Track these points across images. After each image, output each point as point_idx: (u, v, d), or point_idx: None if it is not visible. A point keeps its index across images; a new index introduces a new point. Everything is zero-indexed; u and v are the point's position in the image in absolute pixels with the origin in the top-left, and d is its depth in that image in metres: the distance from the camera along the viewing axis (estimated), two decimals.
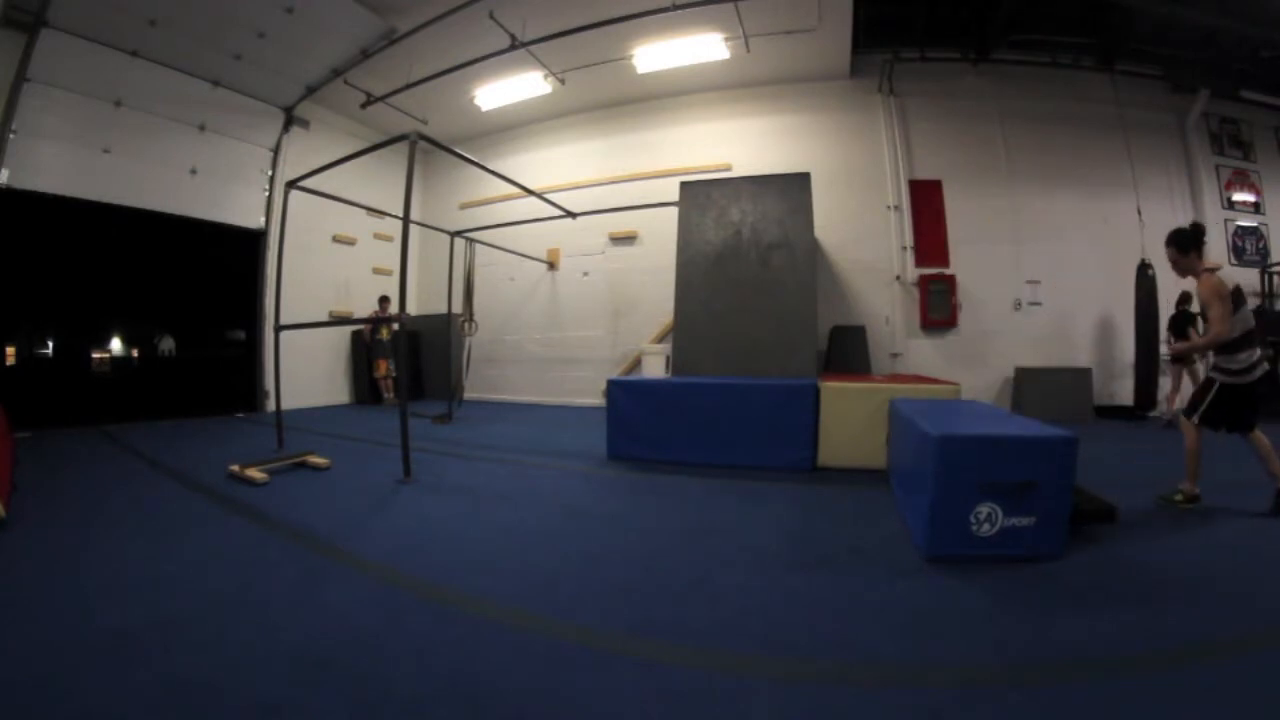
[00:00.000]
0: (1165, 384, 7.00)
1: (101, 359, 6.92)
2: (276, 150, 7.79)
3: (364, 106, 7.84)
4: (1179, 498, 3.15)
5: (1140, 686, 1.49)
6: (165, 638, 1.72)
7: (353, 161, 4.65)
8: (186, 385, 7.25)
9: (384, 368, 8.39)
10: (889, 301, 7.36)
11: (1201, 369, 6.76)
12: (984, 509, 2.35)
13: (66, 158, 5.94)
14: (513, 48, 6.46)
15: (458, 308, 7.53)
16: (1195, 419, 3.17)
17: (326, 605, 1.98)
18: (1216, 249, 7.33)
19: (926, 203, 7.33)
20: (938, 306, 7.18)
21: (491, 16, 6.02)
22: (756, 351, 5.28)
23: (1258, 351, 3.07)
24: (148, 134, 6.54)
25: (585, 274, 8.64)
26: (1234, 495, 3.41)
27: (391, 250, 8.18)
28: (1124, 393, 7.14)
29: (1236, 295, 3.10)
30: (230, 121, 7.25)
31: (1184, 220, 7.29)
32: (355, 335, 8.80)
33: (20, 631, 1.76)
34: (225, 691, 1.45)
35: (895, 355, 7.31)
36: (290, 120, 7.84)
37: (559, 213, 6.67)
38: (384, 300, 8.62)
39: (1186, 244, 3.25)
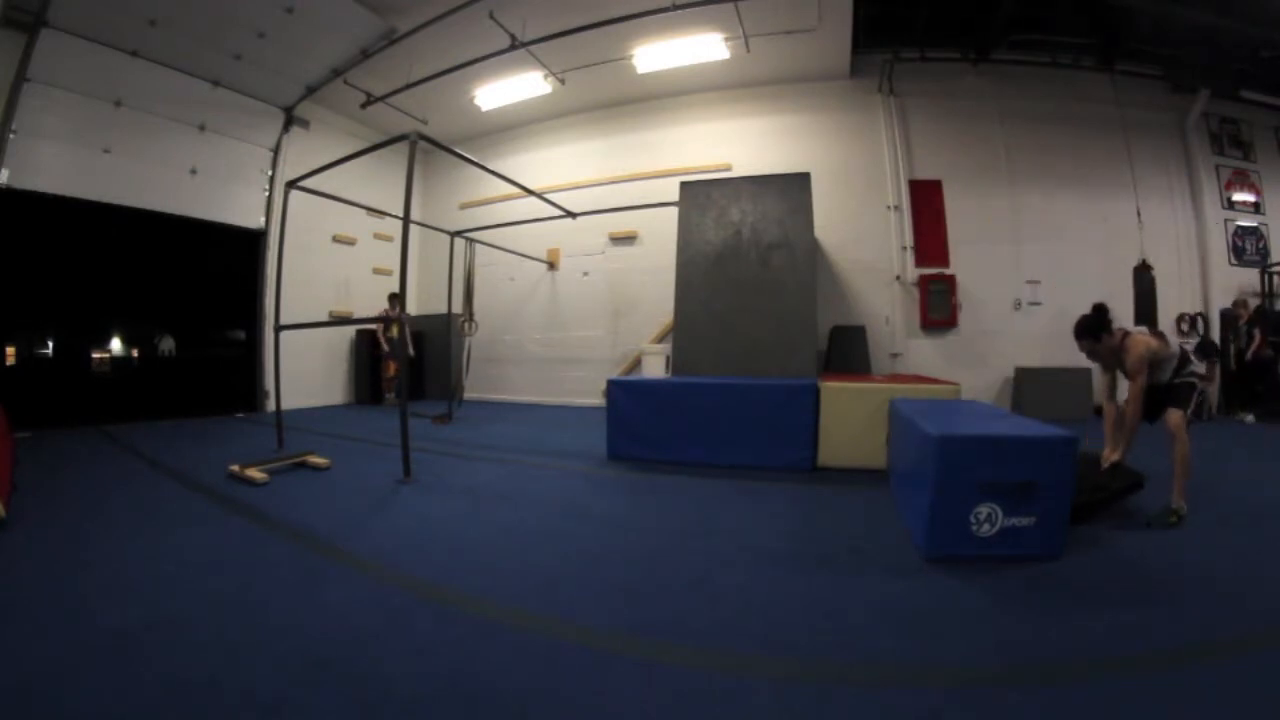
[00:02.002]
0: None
1: (101, 359, 6.91)
2: (276, 150, 7.79)
3: (364, 106, 7.84)
4: (1174, 520, 2.79)
5: (1140, 686, 1.49)
6: (165, 638, 1.72)
7: (353, 161, 4.65)
8: (186, 385, 7.24)
9: (394, 369, 8.35)
10: (889, 301, 7.36)
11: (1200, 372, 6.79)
12: (984, 509, 2.35)
13: (66, 158, 5.94)
14: (513, 48, 6.46)
15: (458, 308, 7.54)
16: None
17: (326, 605, 1.98)
18: (1216, 249, 7.34)
19: (926, 203, 7.33)
20: (938, 306, 7.18)
21: (491, 16, 6.02)
22: (756, 351, 5.28)
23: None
24: (148, 134, 6.54)
25: (585, 274, 8.64)
26: (1229, 493, 3.42)
27: (391, 250, 8.18)
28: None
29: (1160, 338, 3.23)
30: (230, 121, 7.25)
31: (1185, 220, 7.37)
32: (360, 335, 8.78)
33: (20, 631, 1.76)
34: (225, 691, 1.45)
35: (895, 355, 7.31)
36: (290, 120, 7.85)
37: (559, 213, 6.67)
38: (394, 297, 8.59)
39: (1099, 328, 3.05)
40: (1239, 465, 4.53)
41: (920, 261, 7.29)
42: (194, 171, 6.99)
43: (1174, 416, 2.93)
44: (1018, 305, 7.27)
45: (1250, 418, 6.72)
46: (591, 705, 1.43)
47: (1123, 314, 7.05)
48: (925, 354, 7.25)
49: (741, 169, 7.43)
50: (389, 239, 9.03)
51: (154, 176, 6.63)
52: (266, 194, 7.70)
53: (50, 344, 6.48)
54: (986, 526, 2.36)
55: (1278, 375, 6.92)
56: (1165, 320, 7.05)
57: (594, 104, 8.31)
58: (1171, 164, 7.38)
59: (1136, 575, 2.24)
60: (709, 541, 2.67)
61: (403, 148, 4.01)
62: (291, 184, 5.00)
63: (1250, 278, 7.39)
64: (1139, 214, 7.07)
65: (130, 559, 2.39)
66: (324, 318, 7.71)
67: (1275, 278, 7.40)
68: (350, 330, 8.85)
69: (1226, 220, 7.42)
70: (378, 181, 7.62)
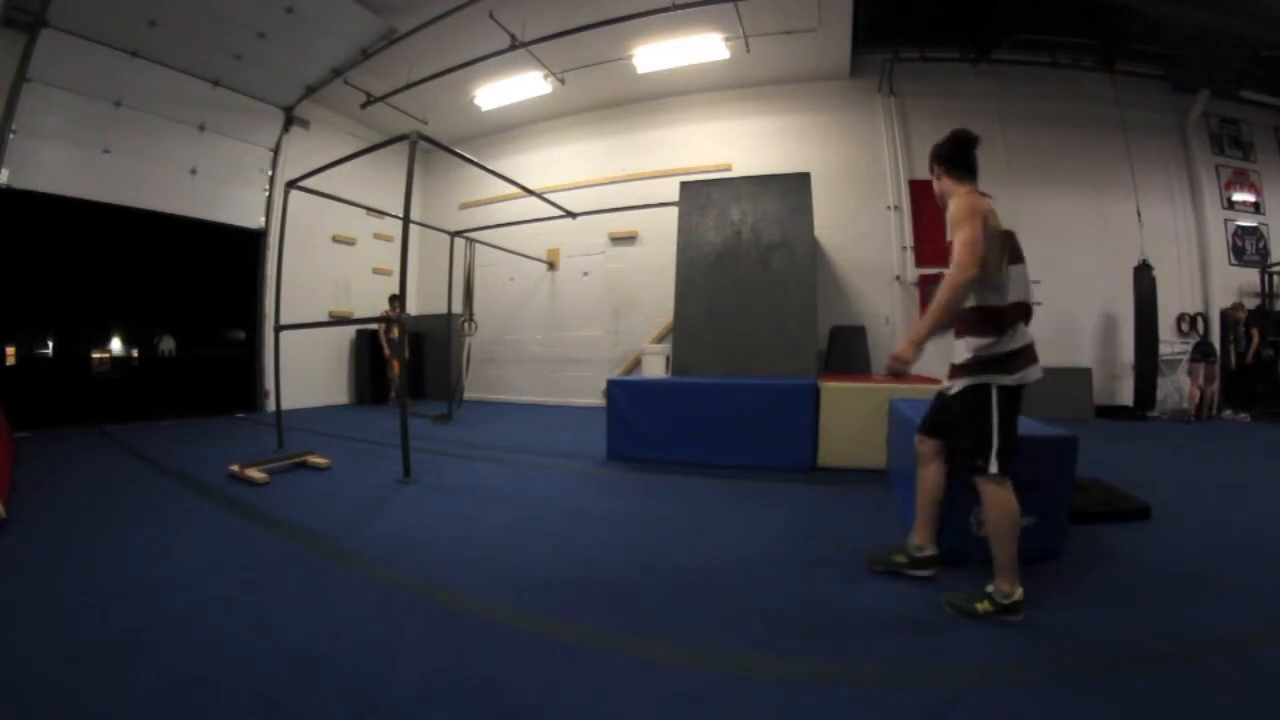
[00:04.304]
0: (1181, 383, 7.04)
1: (101, 359, 6.91)
2: (276, 150, 7.79)
3: (364, 106, 7.85)
4: (984, 607, 1.84)
5: (1141, 686, 1.49)
6: (165, 638, 1.72)
7: (353, 161, 4.64)
8: (186, 385, 7.24)
9: (398, 367, 8.38)
10: (889, 301, 7.36)
11: (1200, 370, 6.83)
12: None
13: (66, 158, 5.94)
14: (513, 48, 6.46)
15: (458, 308, 7.53)
16: (994, 468, 1.88)
17: (326, 605, 1.98)
18: (1216, 249, 7.35)
19: (926, 203, 7.32)
20: None
21: (491, 16, 6.02)
22: (756, 351, 5.29)
23: (1029, 335, 1.99)
24: (148, 134, 6.54)
25: (585, 274, 8.64)
26: (1228, 493, 3.42)
27: (391, 250, 8.19)
28: (1124, 392, 7.15)
29: (1012, 239, 2.01)
30: (230, 121, 7.25)
31: (1185, 220, 7.37)
32: (360, 335, 8.78)
33: (21, 631, 1.76)
34: (225, 691, 1.45)
35: None
36: (290, 120, 7.85)
37: (559, 213, 6.67)
38: (394, 298, 8.60)
39: (952, 159, 2.22)
40: (1237, 465, 4.53)
41: (920, 261, 7.29)
42: (194, 171, 6.99)
43: (984, 487, 1.93)
44: None
45: (1229, 413, 6.77)
46: (591, 705, 1.42)
47: (1123, 314, 7.06)
48: (925, 354, 7.22)
49: (741, 169, 7.43)
50: (389, 239, 9.03)
51: (154, 176, 6.62)
52: (266, 194, 7.70)
53: (50, 344, 6.49)
54: None
55: (1277, 375, 6.94)
56: (1166, 320, 7.06)
57: (594, 104, 8.31)
58: (1171, 164, 7.38)
59: (1136, 575, 2.24)
60: (708, 541, 2.66)
61: (403, 148, 4.01)
62: (291, 184, 5.00)
63: (1250, 278, 7.40)
64: (1139, 214, 7.08)
65: (130, 559, 2.38)
66: (324, 318, 7.72)
67: (1275, 278, 7.41)
68: (351, 330, 8.85)
69: (1226, 220, 7.43)
70: (378, 181, 7.62)
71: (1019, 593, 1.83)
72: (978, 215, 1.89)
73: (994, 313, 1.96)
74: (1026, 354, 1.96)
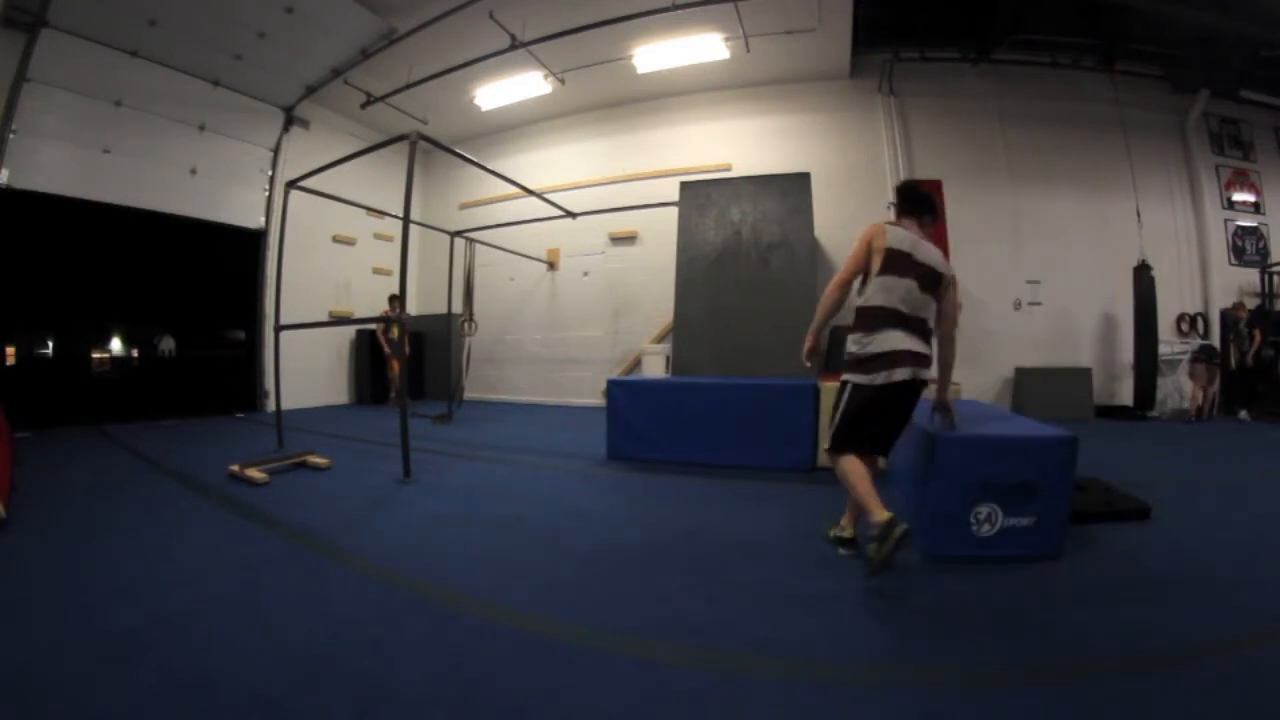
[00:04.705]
0: (1182, 383, 7.02)
1: (101, 359, 6.91)
2: (276, 150, 7.79)
3: (364, 106, 7.85)
4: (873, 547, 2.07)
5: (1141, 686, 1.49)
6: (165, 637, 1.72)
7: (353, 161, 4.65)
8: (186, 385, 7.24)
9: (398, 367, 8.39)
10: None
11: (1201, 371, 6.82)
12: (984, 509, 2.35)
13: (66, 158, 5.94)
14: (513, 48, 6.46)
15: (458, 308, 7.54)
16: (826, 444, 2.44)
17: (327, 605, 1.98)
18: (1216, 249, 7.35)
19: None
20: None
21: (491, 16, 6.02)
22: (756, 351, 5.29)
23: (900, 341, 2.26)
24: (148, 134, 6.54)
25: (585, 274, 8.64)
26: (1228, 492, 3.42)
27: (391, 250, 8.18)
28: (1124, 392, 7.16)
29: (895, 257, 2.30)
30: (230, 121, 7.25)
31: (1185, 220, 7.37)
32: (360, 335, 8.78)
33: (20, 632, 1.76)
34: (225, 691, 1.45)
35: None
36: (290, 120, 7.84)
37: (559, 213, 6.67)
38: (394, 299, 8.61)
39: (920, 206, 2.50)
40: (1237, 465, 4.53)
41: None
42: (194, 171, 6.99)
43: (834, 461, 2.36)
44: (1018, 305, 7.28)
45: (1245, 414, 6.76)
46: (590, 705, 1.42)
47: (1123, 314, 7.06)
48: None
49: (741, 169, 7.43)
50: (389, 239, 9.03)
51: (154, 176, 6.62)
52: (266, 194, 7.70)
53: (50, 344, 6.48)
54: (986, 527, 2.36)
55: (1277, 375, 6.94)
56: (1166, 320, 7.06)
57: (594, 104, 8.31)
58: (1171, 164, 7.38)
59: (1136, 575, 2.24)
60: (709, 541, 2.66)
61: (403, 148, 4.01)
62: (291, 184, 5.00)
63: (1250, 278, 7.40)
64: (1139, 214, 7.07)
65: (130, 559, 2.38)
66: (324, 318, 7.71)
67: (1275, 278, 7.41)
68: (351, 330, 8.85)
69: (1226, 220, 7.43)
70: (378, 181, 7.62)
71: (884, 515, 2.05)
72: (864, 238, 2.39)
73: (864, 310, 2.35)
74: (885, 360, 2.26)
